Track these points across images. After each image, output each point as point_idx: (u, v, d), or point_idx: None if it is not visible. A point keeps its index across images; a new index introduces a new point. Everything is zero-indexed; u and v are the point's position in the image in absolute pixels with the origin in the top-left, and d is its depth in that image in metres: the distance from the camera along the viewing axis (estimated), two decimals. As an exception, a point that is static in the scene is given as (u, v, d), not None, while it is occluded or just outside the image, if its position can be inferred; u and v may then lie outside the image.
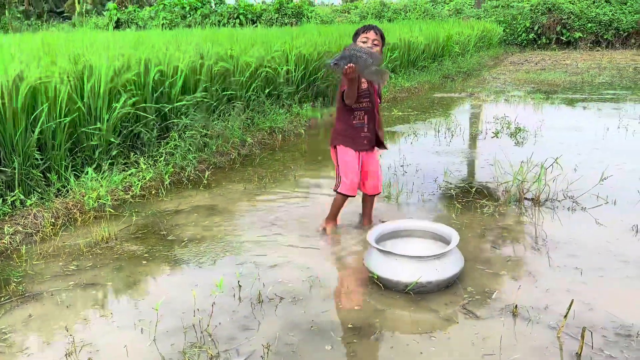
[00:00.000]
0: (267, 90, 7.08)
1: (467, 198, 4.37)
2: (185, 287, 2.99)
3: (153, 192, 4.62)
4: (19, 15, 28.97)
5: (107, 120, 4.74)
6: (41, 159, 4.33)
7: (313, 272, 3.14)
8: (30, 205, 3.94)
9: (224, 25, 19.96)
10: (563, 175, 4.50)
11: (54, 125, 4.35)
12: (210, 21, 20.39)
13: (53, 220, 3.89)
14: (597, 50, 20.24)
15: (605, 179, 4.36)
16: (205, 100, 5.96)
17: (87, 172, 4.37)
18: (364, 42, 3.37)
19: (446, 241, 3.10)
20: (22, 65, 4.35)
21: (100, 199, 4.14)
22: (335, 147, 3.60)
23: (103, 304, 2.86)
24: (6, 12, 28.16)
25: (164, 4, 22.56)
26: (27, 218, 3.83)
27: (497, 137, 6.47)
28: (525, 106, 8.70)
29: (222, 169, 5.36)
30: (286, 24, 19.18)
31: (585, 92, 10.00)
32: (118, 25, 21.97)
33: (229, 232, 3.78)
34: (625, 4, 21.42)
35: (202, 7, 22.28)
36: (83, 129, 4.65)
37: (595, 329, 2.47)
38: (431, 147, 6.11)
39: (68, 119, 4.45)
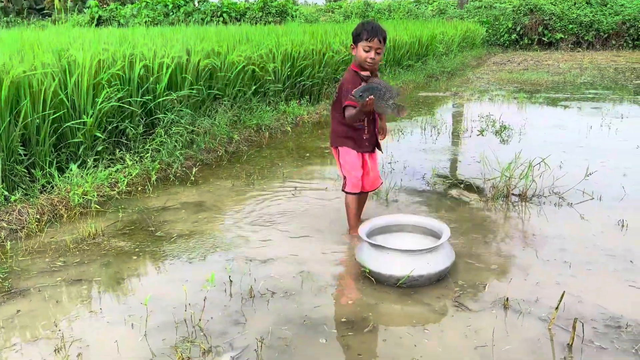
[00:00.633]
0: (253, 88, 7.05)
1: (455, 194, 4.40)
2: (175, 282, 2.96)
3: (139, 188, 4.57)
4: (-3, 12, 28.50)
5: (92, 115, 4.67)
6: (25, 155, 4.25)
7: (304, 267, 3.13)
8: (15, 201, 3.86)
9: (207, 23, 19.81)
10: (549, 172, 4.56)
11: (38, 120, 4.28)
12: (193, 19, 20.24)
13: (38, 216, 3.83)
14: (578, 51, 20.53)
15: (590, 174, 4.43)
16: (193, 95, 5.92)
17: (71, 168, 4.31)
18: (366, 52, 3.26)
19: (437, 236, 3.11)
20: (5, 57, 4.27)
21: (86, 195, 4.08)
22: (337, 148, 3.58)
23: (92, 299, 2.81)
24: (-16, 8, 27.66)
25: (147, 2, 22.33)
26: (11, 214, 3.76)
27: (483, 135, 6.53)
28: (509, 105, 8.78)
29: (210, 165, 5.33)
30: (270, 23, 19.10)
31: (567, 92, 10.13)
32: (99, 22, 21.66)
33: (217, 228, 3.75)
34: (606, 5, 21.77)
35: (185, 5, 22.12)
36: (67, 124, 4.58)
37: (585, 321, 2.49)
38: (418, 145, 6.14)
39: (52, 111, 4.37)
